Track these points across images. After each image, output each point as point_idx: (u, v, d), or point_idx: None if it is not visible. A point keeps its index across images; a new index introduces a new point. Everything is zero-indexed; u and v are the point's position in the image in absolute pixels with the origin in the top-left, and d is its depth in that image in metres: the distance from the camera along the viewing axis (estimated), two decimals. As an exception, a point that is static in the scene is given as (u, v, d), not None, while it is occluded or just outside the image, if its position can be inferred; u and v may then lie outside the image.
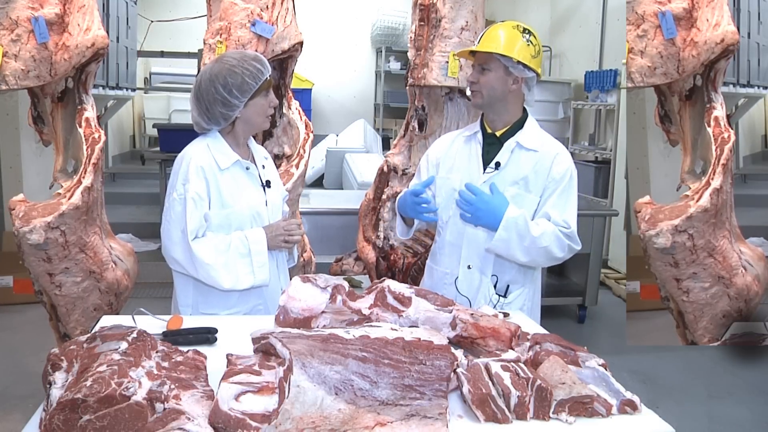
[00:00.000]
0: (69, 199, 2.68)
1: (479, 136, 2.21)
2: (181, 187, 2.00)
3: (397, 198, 2.29)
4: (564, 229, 2.08)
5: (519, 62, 2.08)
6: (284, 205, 2.30)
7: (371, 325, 1.53)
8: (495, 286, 2.18)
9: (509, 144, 2.15)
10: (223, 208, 2.03)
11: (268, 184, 2.16)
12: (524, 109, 2.20)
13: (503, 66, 2.09)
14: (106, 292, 2.86)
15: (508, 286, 2.19)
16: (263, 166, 2.19)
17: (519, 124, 2.17)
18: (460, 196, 2.05)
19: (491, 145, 2.18)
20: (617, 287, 5.06)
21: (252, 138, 2.20)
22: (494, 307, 2.14)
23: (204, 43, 2.75)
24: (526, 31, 2.11)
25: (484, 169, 2.16)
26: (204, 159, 2.02)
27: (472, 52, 2.16)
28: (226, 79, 1.97)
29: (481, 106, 2.18)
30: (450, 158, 2.25)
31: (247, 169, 2.10)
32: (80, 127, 2.81)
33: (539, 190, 2.13)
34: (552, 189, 2.11)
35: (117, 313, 2.80)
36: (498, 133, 2.18)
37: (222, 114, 2.01)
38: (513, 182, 2.13)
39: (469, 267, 2.19)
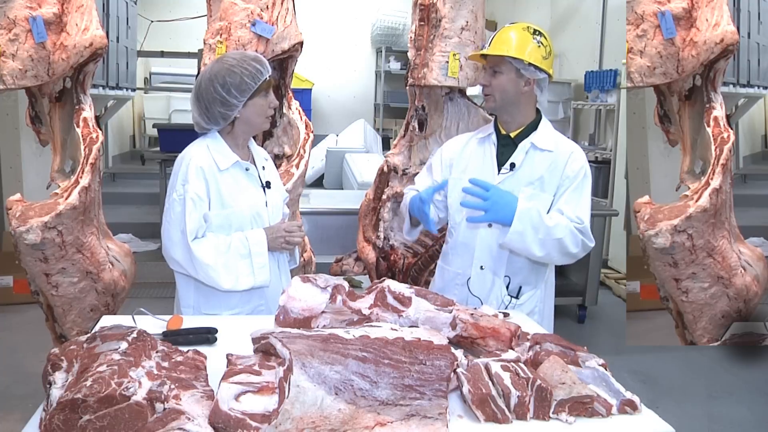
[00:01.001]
0: (66, 199, 2.67)
1: (493, 137, 2.20)
2: (181, 187, 2.00)
3: (409, 198, 2.26)
4: (577, 224, 2.07)
5: (530, 64, 2.08)
6: (284, 207, 2.30)
7: (371, 325, 1.53)
8: (507, 287, 2.18)
9: (524, 145, 2.15)
10: (223, 209, 2.03)
11: (268, 185, 2.16)
12: (537, 110, 2.20)
13: (515, 68, 2.09)
14: (102, 292, 2.86)
15: (520, 287, 2.19)
16: (263, 167, 2.19)
17: (533, 126, 2.17)
18: (469, 194, 2.02)
19: (505, 147, 2.18)
20: (617, 287, 5.06)
21: (252, 139, 2.20)
22: (506, 308, 2.14)
23: (204, 43, 2.75)
24: (537, 33, 2.11)
25: (499, 171, 2.16)
26: (204, 160, 2.02)
27: (484, 55, 2.15)
28: (225, 78, 1.98)
29: (495, 109, 2.18)
30: (464, 159, 2.25)
31: (247, 170, 2.10)
32: (78, 127, 2.81)
33: (554, 189, 2.12)
34: (566, 186, 2.11)
35: (114, 314, 2.80)
36: (512, 135, 2.18)
37: (221, 114, 2.01)
38: (528, 183, 2.12)
39: (481, 268, 2.18)
